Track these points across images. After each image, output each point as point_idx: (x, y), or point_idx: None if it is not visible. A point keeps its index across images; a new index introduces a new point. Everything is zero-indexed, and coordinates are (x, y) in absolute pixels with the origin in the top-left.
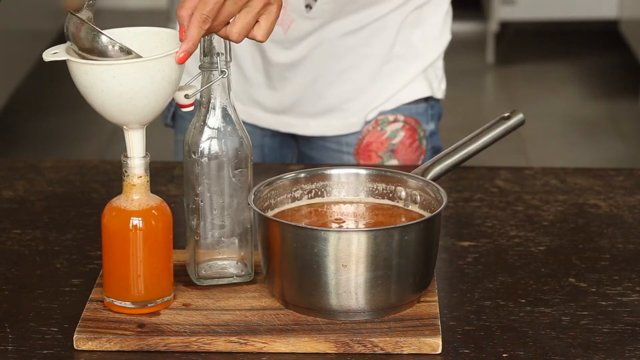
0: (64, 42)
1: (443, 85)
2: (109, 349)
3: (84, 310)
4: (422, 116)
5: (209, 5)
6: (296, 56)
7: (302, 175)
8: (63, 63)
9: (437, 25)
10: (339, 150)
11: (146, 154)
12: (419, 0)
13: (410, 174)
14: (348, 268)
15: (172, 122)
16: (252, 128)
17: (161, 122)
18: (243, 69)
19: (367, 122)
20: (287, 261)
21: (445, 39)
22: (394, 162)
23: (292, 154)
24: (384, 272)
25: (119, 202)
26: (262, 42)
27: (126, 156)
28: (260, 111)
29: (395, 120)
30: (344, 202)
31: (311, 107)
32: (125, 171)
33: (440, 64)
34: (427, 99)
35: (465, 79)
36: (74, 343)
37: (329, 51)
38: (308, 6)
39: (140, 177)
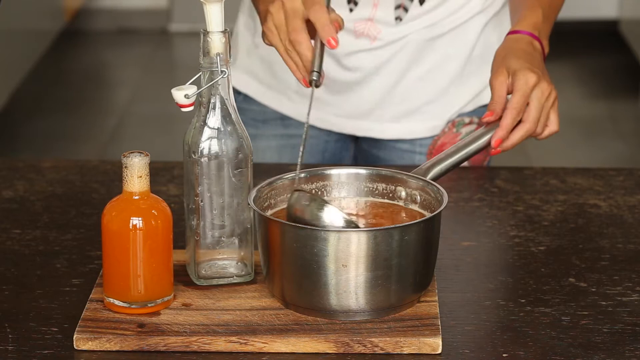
0: (63, 41)
1: None
2: (109, 349)
3: (84, 310)
4: None
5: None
6: (379, 60)
7: (302, 175)
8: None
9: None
10: (411, 150)
11: (146, 154)
12: (499, 3)
13: (410, 174)
14: (348, 268)
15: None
16: (317, 133)
17: (161, 124)
18: (325, 75)
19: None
20: (287, 261)
21: None
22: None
23: (350, 156)
24: (384, 272)
25: (119, 202)
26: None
27: (126, 155)
28: (334, 116)
29: (470, 122)
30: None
31: (392, 110)
32: (126, 171)
33: None
34: None
35: None
36: (74, 343)
37: (412, 54)
38: (398, 18)
39: (141, 176)
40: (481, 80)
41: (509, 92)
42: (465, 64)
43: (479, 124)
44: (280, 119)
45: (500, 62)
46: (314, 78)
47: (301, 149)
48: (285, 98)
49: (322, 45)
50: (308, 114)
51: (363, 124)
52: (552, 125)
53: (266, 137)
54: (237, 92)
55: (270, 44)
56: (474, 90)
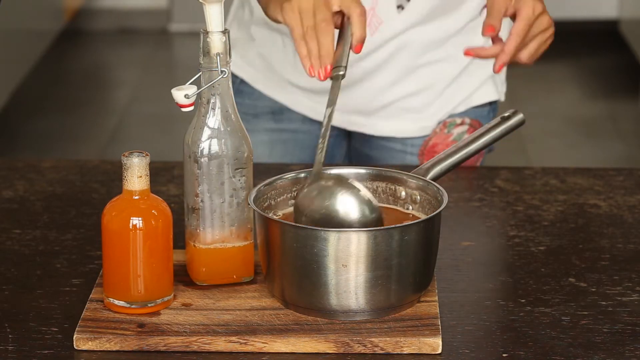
0: (63, 41)
1: (504, 88)
2: (109, 349)
3: (84, 310)
4: (485, 119)
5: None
6: (378, 59)
7: (302, 175)
8: (63, 56)
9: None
10: (402, 150)
11: (146, 154)
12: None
13: (410, 174)
14: (348, 268)
15: None
16: (309, 128)
17: (161, 124)
18: None
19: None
20: (287, 261)
21: None
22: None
23: (341, 154)
24: (384, 272)
25: (119, 202)
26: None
27: (126, 155)
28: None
29: (462, 123)
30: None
31: (385, 108)
32: (126, 171)
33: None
34: (490, 102)
35: None
36: (74, 343)
37: (412, 54)
38: (400, 7)
39: (141, 176)
40: (473, 83)
41: (507, 15)
42: (466, 67)
43: (471, 125)
44: (271, 113)
45: None
46: (340, 73)
47: (320, 142)
48: (280, 88)
49: (350, 41)
50: (327, 111)
51: (356, 118)
52: (534, 56)
53: (257, 131)
54: (234, 76)
55: (285, 23)
56: (466, 92)
